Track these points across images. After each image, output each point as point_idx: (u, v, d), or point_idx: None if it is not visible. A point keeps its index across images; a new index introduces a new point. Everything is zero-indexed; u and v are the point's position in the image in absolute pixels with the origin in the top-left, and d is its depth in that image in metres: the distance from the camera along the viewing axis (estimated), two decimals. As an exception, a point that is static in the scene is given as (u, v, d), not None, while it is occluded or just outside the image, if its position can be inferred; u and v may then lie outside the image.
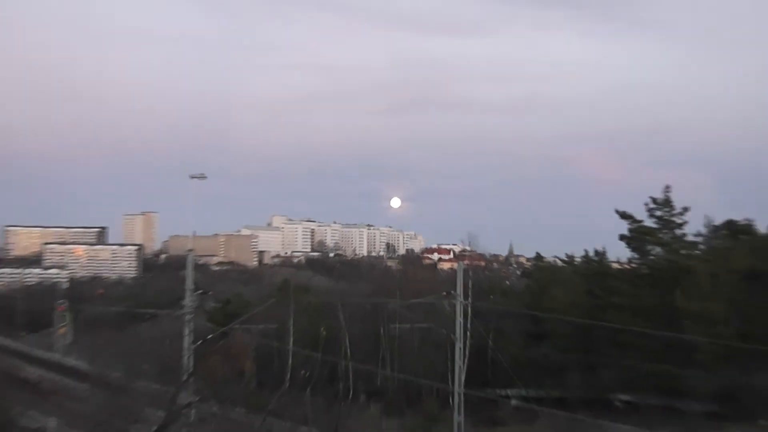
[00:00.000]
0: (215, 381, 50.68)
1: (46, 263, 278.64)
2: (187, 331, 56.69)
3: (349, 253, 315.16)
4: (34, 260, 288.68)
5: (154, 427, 37.65)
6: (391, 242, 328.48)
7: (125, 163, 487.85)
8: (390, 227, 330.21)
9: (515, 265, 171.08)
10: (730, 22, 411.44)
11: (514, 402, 61.24)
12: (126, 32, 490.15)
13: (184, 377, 45.18)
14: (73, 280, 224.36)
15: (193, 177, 72.60)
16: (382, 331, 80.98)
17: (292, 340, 75.27)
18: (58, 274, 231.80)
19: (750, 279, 64.29)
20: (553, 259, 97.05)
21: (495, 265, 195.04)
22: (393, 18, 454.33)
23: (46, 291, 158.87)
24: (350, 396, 72.98)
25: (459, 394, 54.81)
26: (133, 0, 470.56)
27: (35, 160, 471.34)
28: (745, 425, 52.67)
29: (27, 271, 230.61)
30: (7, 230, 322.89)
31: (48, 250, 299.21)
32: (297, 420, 48.12)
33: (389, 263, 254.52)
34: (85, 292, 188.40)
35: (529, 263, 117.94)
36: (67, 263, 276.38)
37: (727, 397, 59.35)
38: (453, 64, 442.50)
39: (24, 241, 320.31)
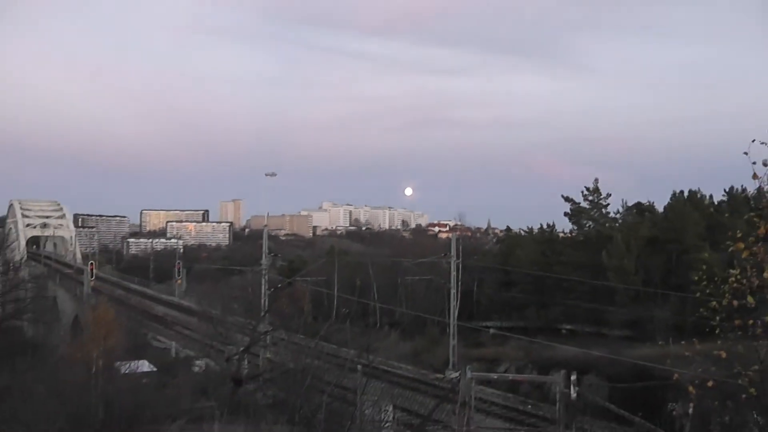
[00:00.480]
0: (283, 316, 51.09)
1: (169, 235, 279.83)
2: (263, 281, 57.20)
3: (375, 227, 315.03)
4: (160, 233, 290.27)
5: (242, 348, 38.17)
6: (405, 219, 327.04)
7: (223, 164, 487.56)
8: (404, 208, 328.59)
9: (492, 235, 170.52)
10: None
11: (491, 330, 61.76)
12: (224, 74, 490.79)
13: (262, 314, 45.60)
14: (186, 247, 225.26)
15: (267, 174, 73.08)
16: (398, 281, 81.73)
17: (336, 288, 75.96)
18: (176, 242, 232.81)
19: (651, 243, 68.26)
20: (519, 230, 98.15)
21: (478, 234, 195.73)
22: (407, 62, 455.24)
23: (168, 254, 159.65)
24: (377, 326, 73.67)
25: (453, 325, 55.22)
26: (229, 51, 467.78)
27: (161, 161, 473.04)
28: (649, 345, 53.30)
29: (156, 240, 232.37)
30: (144, 212, 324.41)
31: (170, 226, 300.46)
32: (339, 344, 48.45)
33: (404, 234, 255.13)
34: (194, 255, 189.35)
35: (501, 233, 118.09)
36: (182, 235, 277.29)
37: (636, 325, 60.40)
38: (448, 94, 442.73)
39: (154, 220, 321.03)
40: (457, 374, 40.18)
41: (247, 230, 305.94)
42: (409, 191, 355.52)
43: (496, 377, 40.83)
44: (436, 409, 29.07)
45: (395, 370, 52.90)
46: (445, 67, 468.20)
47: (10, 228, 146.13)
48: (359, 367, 38.13)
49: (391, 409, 37.20)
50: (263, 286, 56.66)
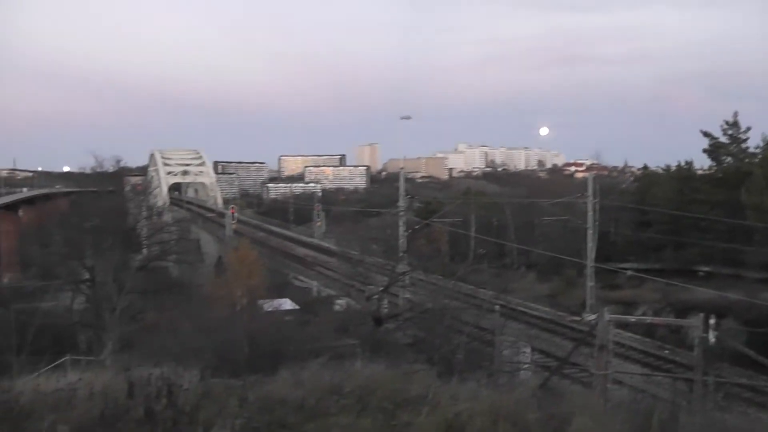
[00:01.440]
0: (421, 257, 51.23)
1: (307, 180, 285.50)
2: (401, 223, 57.42)
3: (511, 168, 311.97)
4: (299, 178, 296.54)
5: (381, 287, 38.45)
6: (541, 159, 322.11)
7: (359, 109, 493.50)
8: (540, 148, 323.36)
9: (629, 174, 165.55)
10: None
11: (628, 272, 59.91)
12: (359, 20, 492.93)
13: (400, 254, 45.80)
14: (324, 191, 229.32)
15: (402, 118, 72.70)
16: (535, 222, 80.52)
17: (473, 228, 75.48)
18: (314, 186, 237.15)
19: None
20: (656, 167, 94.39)
21: (614, 173, 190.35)
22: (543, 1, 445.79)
23: (307, 198, 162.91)
24: (514, 267, 72.93)
25: (590, 267, 54.04)
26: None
27: (298, 109, 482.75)
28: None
29: (294, 185, 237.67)
30: (282, 158, 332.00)
31: (308, 171, 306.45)
32: (477, 284, 48.18)
33: (540, 174, 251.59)
34: (333, 198, 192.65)
35: (638, 172, 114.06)
36: (320, 179, 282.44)
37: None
38: (583, 31, 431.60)
39: (292, 165, 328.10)
40: (594, 317, 39.28)
41: (383, 173, 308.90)
42: (544, 131, 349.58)
43: (634, 320, 39.57)
44: (573, 351, 28.42)
45: (532, 311, 52.39)
46: (580, 4, 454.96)
47: (152, 176, 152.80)
48: (497, 307, 37.85)
49: (528, 350, 36.85)
50: (401, 228, 56.89)
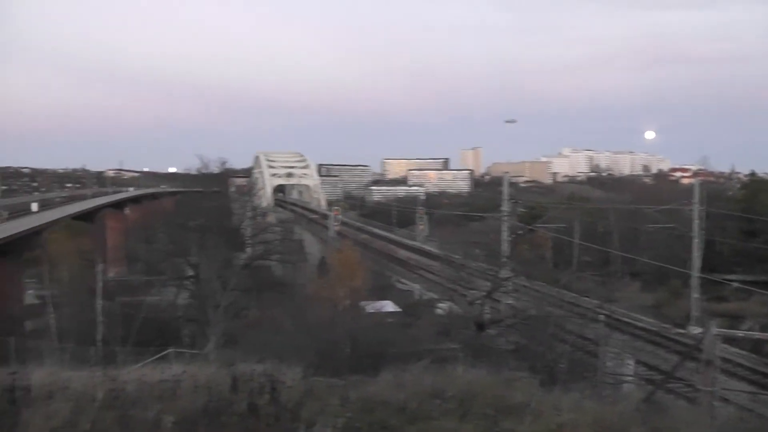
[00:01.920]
0: (524, 263, 50.67)
1: (410, 183, 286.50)
2: (504, 227, 56.90)
3: (616, 172, 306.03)
4: (402, 181, 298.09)
5: (483, 293, 38.19)
6: (646, 164, 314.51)
7: (462, 113, 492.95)
8: (645, 153, 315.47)
9: (735, 180, 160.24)
10: None
11: (734, 284, 57.72)
12: (462, 23, 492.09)
13: (503, 260, 45.33)
14: (427, 194, 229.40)
15: (506, 121, 71.94)
16: (639, 229, 78.68)
17: (577, 235, 74.20)
18: (417, 189, 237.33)
19: None
20: (764, 174, 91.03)
21: (721, 180, 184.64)
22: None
23: (410, 201, 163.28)
24: (617, 276, 71.34)
25: (695, 277, 52.35)
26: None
27: (401, 112, 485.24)
28: None
29: (397, 188, 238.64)
30: (385, 161, 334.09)
31: (411, 174, 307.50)
32: (580, 292, 47.36)
33: (645, 180, 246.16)
34: (436, 202, 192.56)
35: (745, 178, 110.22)
36: (423, 183, 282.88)
37: None
38: (685, 30, 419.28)
39: (396, 168, 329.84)
40: (699, 330, 38.04)
41: (486, 177, 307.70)
42: (649, 134, 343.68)
43: (741, 335, 37.97)
44: (678, 365, 27.52)
45: (636, 322, 51.05)
46: (681, 1, 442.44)
47: (257, 177, 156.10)
48: (601, 317, 37.06)
49: (632, 362, 35.91)
50: (504, 232, 56.39)
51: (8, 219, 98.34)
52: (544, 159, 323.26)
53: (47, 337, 35.55)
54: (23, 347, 35.13)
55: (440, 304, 50.34)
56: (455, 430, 8.69)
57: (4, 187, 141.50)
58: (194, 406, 8.35)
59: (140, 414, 8.03)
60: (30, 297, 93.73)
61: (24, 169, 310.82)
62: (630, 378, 32.74)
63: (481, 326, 33.79)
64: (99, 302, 36.32)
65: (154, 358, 25.89)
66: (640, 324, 50.40)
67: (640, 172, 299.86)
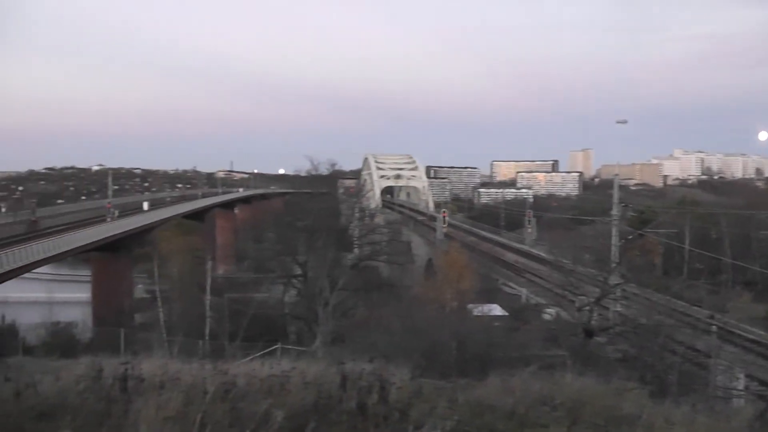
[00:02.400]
0: (634, 269, 49.54)
1: (519, 185, 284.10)
2: (614, 232, 55.82)
3: (728, 176, 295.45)
4: (510, 183, 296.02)
5: (593, 299, 37.58)
6: (759, 167, 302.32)
7: (572, 113, 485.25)
8: (759, 155, 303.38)
9: None
10: None
11: None
12: (570, 22, 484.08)
13: (613, 265, 44.44)
14: (536, 197, 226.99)
15: (618, 122, 69.78)
16: (752, 235, 75.82)
17: (688, 241, 72.04)
18: (526, 192, 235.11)
19: None
20: None
21: None
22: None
23: (518, 203, 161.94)
24: (729, 284, 68.88)
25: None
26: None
27: (510, 113, 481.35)
28: None
29: (506, 190, 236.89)
30: (494, 163, 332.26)
31: (520, 177, 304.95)
32: (691, 301, 45.95)
33: (758, 184, 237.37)
34: (544, 205, 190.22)
35: None
36: (532, 185, 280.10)
37: None
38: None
39: (504, 171, 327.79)
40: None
41: (596, 180, 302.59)
42: (763, 135, 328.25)
43: None
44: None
45: (747, 334, 49.08)
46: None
47: (365, 179, 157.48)
48: (713, 328, 35.88)
49: (743, 377, 34.61)
50: (613, 237, 55.28)
51: (119, 217, 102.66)
52: (654, 161, 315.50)
53: (156, 330, 36.83)
54: (133, 339, 36.63)
55: (547, 310, 49.78)
56: (564, 439, 8.65)
57: (115, 187, 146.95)
58: (304, 403, 8.52)
59: (250, 408, 8.20)
60: (140, 291, 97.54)
61: (136, 170, 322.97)
62: (741, 393, 31.62)
63: (589, 333, 33.28)
64: (208, 298, 37.40)
65: (262, 353, 26.57)
66: (751, 336, 48.53)
67: (753, 176, 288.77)
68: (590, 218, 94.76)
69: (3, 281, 63.24)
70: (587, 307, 36.89)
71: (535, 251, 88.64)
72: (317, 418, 7.95)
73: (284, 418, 7.84)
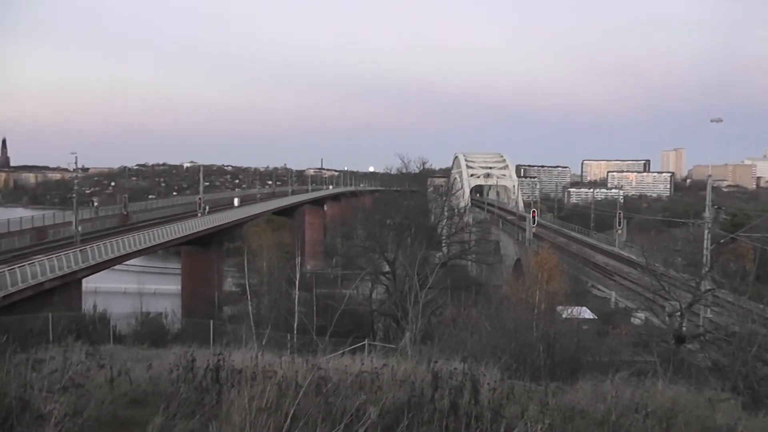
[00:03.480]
0: (726, 274, 48.17)
1: (609, 185, 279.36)
2: (706, 236, 54.49)
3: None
4: (601, 183, 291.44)
5: (684, 304, 36.79)
6: None
7: (664, 111, 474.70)
8: None
9: None
10: None
11: None
12: (662, 18, 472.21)
13: (704, 270, 43.32)
14: (626, 197, 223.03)
15: (712, 120, 67.65)
16: None
17: (787, 247, 69.59)
18: (616, 193, 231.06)
19: None
20: None
21: None
22: None
23: (608, 204, 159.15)
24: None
25: None
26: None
27: (602, 111, 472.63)
28: None
29: (596, 190, 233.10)
30: (585, 162, 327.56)
31: (611, 177, 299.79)
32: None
33: None
34: (634, 206, 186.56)
35: None
36: (623, 185, 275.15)
37: None
38: None
39: (594, 170, 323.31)
40: None
41: (688, 181, 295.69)
42: None
43: None
44: None
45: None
46: None
47: (455, 177, 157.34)
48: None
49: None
50: (705, 241, 53.93)
51: (210, 212, 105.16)
52: (747, 162, 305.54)
53: (245, 323, 37.58)
54: (222, 331, 37.50)
55: (636, 314, 48.92)
56: (657, 447, 8.64)
57: (206, 184, 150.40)
58: (396, 400, 8.66)
59: (343, 403, 8.37)
60: (229, 285, 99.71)
61: (227, 167, 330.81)
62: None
63: (681, 340, 32.61)
64: (296, 292, 37.95)
65: (350, 348, 26.93)
66: None
67: None
68: (681, 220, 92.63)
69: (96, 272, 65.83)
70: (678, 313, 36.16)
71: (625, 253, 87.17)
72: (409, 415, 7.99)
73: (378, 415, 7.94)
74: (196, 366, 9.41)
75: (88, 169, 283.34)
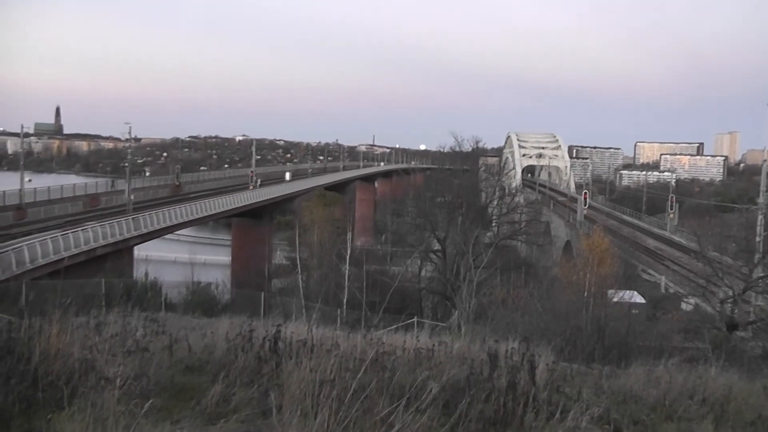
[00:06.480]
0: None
1: (662, 168, 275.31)
2: (759, 221, 53.63)
3: None
4: (653, 166, 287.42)
5: (737, 291, 36.36)
6: None
7: (721, 93, 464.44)
8: None
9: None
10: None
11: None
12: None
13: (758, 257, 42.63)
14: (679, 180, 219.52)
15: None
16: None
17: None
18: (669, 176, 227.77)
19: None
20: None
21: None
22: None
23: (660, 187, 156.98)
24: None
25: None
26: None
27: (656, 92, 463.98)
28: None
29: (649, 173, 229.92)
30: (637, 144, 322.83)
31: (663, 159, 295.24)
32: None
33: None
34: (687, 190, 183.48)
35: None
36: (675, 168, 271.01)
37: None
38: None
39: (647, 152, 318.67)
40: None
41: (741, 165, 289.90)
42: None
43: None
44: None
45: None
46: None
47: (507, 157, 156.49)
48: None
49: None
50: (759, 227, 53.02)
51: (261, 186, 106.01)
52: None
53: (295, 296, 37.84)
54: (271, 303, 37.92)
55: (686, 300, 48.39)
56: (712, 435, 8.72)
57: (258, 157, 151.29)
58: (455, 377, 8.75)
59: (403, 378, 8.49)
60: (279, 258, 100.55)
61: (279, 141, 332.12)
62: None
63: (732, 327, 32.31)
64: (347, 267, 38.24)
65: (400, 324, 27.20)
66: None
67: None
68: (734, 205, 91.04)
69: (147, 240, 66.93)
70: (730, 300, 35.79)
71: (676, 238, 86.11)
72: (469, 393, 7.96)
73: (439, 391, 8.03)
74: (254, 336, 9.43)
75: (140, 139, 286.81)
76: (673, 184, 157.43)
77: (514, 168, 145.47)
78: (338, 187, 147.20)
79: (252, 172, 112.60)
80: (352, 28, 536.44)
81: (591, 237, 57.62)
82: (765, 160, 69.00)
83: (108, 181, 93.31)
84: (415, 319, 34.53)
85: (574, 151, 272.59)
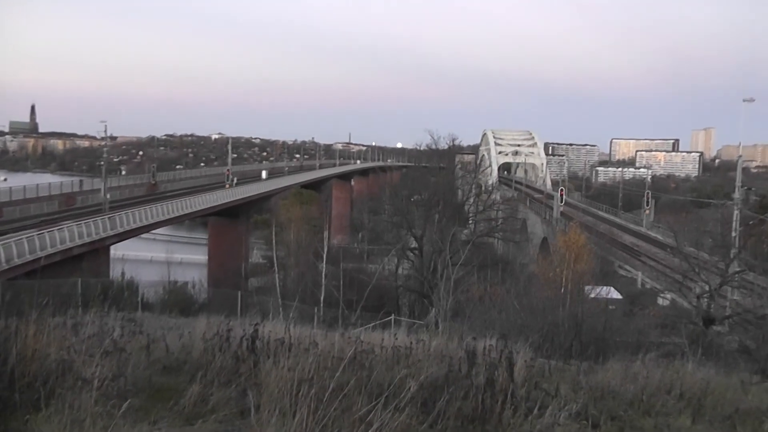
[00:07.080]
0: (756, 256, 47.87)
1: (638, 164, 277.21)
2: (735, 217, 54.10)
3: None
4: (629, 162, 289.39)
5: (714, 286, 36.64)
6: None
7: (695, 90, 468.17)
8: None
9: None
10: None
11: None
12: None
13: (733, 252, 42.99)
14: (654, 177, 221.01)
15: (744, 100, 66.46)
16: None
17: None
18: (645, 172, 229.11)
19: None
20: None
21: None
22: None
23: (636, 184, 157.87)
24: None
25: None
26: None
27: (631, 89, 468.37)
28: None
29: (624, 169, 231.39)
30: (613, 141, 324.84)
31: (639, 155, 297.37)
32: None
33: None
34: (663, 186, 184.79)
35: None
36: (651, 164, 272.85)
37: None
38: None
39: (623, 149, 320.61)
40: None
41: (717, 161, 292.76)
42: None
43: None
44: None
45: None
46: None
47: (483, 155, 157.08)
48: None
49: None
50: (734, 222, 53.51)
51: (238, 184, 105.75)
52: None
53: (272, 295, 37.75)
54: (248, 302, 37.84)
55: (662, 295, 48.78)
56: (689, 429, 8.78)
57: (234, 155, 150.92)
58: (432, 375, 8.75)
59: (381, 376, 8.48)
60: (256, 257, 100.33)
61: (255, 140, 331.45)
62: None
63: (709, 321, 32.59)
64: (323, 266, 38.22)
65: (377, 322, 27.19)
66: None
67: None
68: (709, 201, 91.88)
69: (124, 239, 66.56)
70: (706, 295, 36.08)
71: (652, 233, 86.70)
72: (447, 390, 7.96)
73: (417, 389, 8.02)
74: (232, 335, 9.39)
75: (116, 137, 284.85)
76: (648, 180, 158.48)
77: (490, 165, 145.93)
78: (315, 185, 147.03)
79: (228, 170, 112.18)
80: (328, 26, 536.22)
81: (567, 234, 57.93)
82: (740, 156, 69.70)
83: (74, 180, 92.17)
84: (392, 317, 34.60)
85: (550, 148, 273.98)
